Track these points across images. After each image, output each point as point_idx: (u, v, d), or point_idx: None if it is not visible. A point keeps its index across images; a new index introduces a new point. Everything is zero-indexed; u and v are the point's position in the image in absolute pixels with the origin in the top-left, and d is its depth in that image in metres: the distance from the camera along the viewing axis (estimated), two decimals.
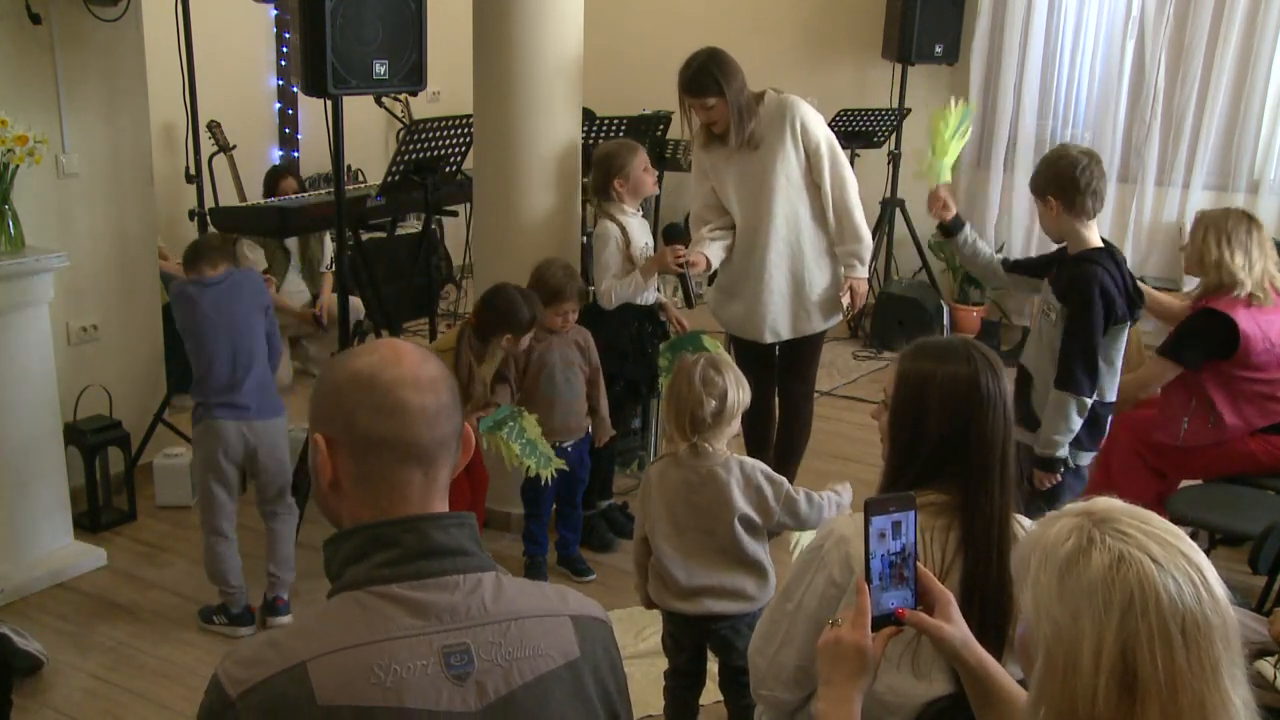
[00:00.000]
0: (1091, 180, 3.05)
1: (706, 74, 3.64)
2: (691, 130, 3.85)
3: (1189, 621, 1.15)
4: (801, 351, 4.03)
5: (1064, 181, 3.06)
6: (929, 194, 3.44)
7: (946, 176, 3.48)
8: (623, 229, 3.86)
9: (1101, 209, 3.14)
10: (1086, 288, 3.02)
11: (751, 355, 3.94)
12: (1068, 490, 3.17)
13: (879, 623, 1.52)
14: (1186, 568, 1.18)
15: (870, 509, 1.52)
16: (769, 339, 3.92)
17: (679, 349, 3.95)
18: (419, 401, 1.33)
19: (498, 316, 3.51)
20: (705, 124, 3.76)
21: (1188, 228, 5.96)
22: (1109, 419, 3.21)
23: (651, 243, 4.01)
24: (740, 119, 3.68)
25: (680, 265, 3.74)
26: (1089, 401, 3.06)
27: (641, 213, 4.01)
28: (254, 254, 5.24)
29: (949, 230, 3.44)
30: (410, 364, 1.35)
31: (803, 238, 3.82)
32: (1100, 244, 3.14)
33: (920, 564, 1.57)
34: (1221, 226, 3.52)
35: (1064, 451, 3.10)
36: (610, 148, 3.94)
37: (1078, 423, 3.07)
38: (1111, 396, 3.17)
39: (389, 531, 1.31)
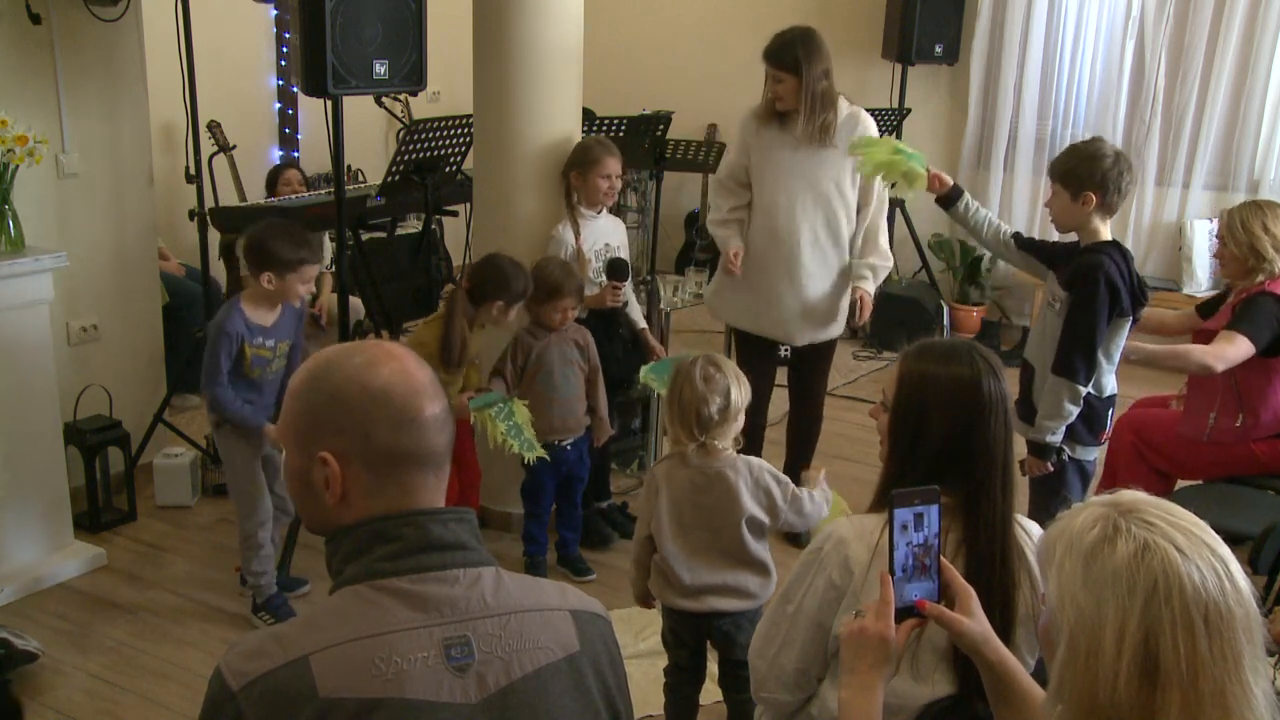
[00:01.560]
0: (1130, 181, 3.09)
1: (790, 49, 3.60)
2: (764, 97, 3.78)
3: (1212, 611, 1.16)
4: (821, 355, 4.05)
5: (1108, 180, 3.05)
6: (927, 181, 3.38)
7: (921, 171, 3.37)
8: (577, 233, 3.84)
9: None
10: (1093, 275, 3.01)
11: (757, 354, 3.94)
12: (1070, 487, 3.17)
13: (901, 614, 1.54)
14: (1210, 558, 1.19)
15: (895, 501, 1.54)
16: (783, 338, 3.92)
17: (661, 372, 3.88)
18: (430, 410, 1.35)
19: (493, 283, 3.51)
20: (772, 99, 3.71)
21: (1188, 228, 6.01)
22: (1109, 414, 3.20)
23: (614, 245, 3.96)
24: (811, 107, 3.62)
25: (615, 302, 3.83)
26: (1083, 390, 3.06)
27: (602, 211, 3.93)
28: None
29: (948, 200, 3.39)
30: (411, 369, 1.36)
31: (831, 244, 3.81)
32: (1110, 238, 3.14)
33: (943, 558, 1.58)
34: (1262, 212, 3.50)
35: (1056, 439, 3.10)
36: (588, 141, 3.91)
37: (1072, 411, 3.06)
38: (1110, 391, 3.16)
39: (389, 526, 1.32)
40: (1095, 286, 3.00)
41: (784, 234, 3.77)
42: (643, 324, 4.12)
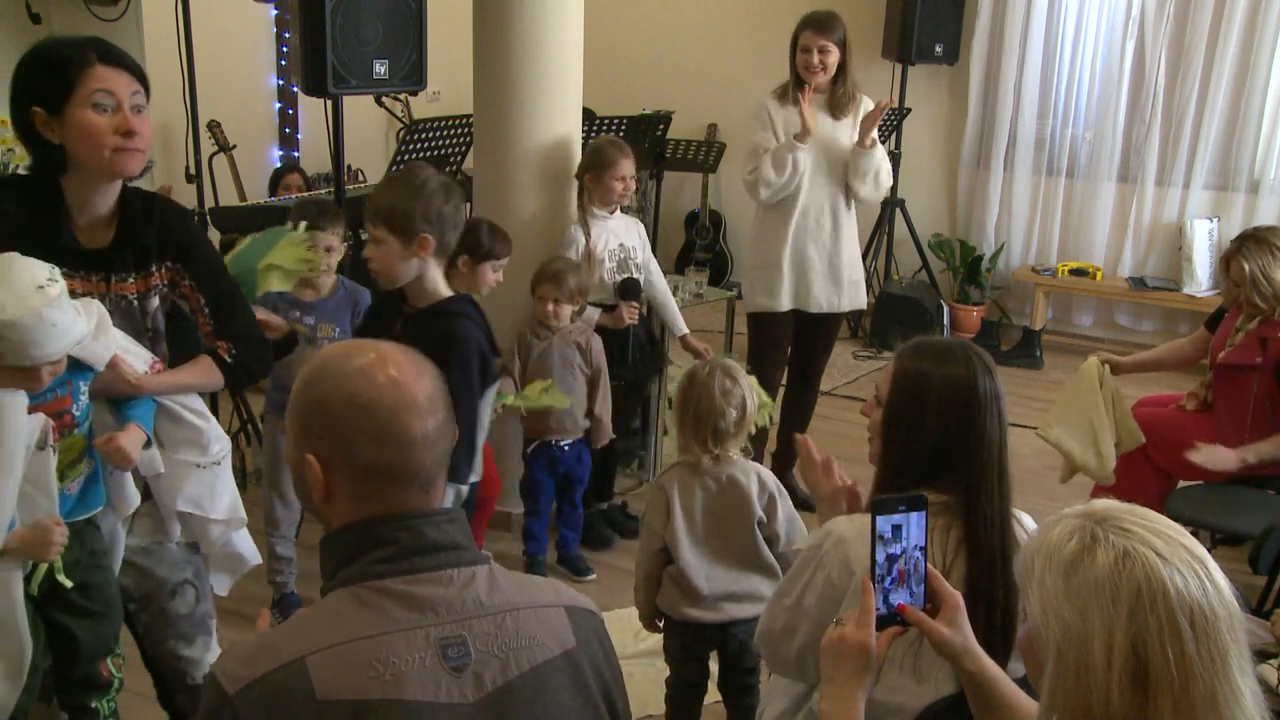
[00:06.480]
0: (464, 213, 2.55)
1: (838, 22, 3.93)
2: (804, 72, 3.95)
3: (1197, 613, 1.16)
4: (830, 327, 4.23)
5: (444, 217, 2.45)
6: None
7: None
8: (587, 233, 3.82)
9: None
10: (459, 350, 2.41)
11: (771, 343, 4.02)
12: None
13: (883, 622, 1.52)
14: (1190, 560, 1.19)
15: (877, 509, 1.52)
16: (822, 305, 4.09)
17: None
18: (421, 428, 1.32)
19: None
20: (808, 71, 3.91)
21: (1189, 227, 6.00)
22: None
23: (629, 244, 3.93)
24: (845, 81, 4.00)
25: (633, 320, 3.88)
26: (467, 487, 2.56)
27: (615, 211, 3.91)
28: None
29: None
30: (408, 381, 1.33)
31: (846, 209, 4.08)
32: (450, 293, 2.54)
33: (931, 566, 1.57)
34: (1271, 252, 3.34)
35: None
36: (601, 143, 3.91)
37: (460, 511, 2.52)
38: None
39: (383, 530, 1.32)
40: (467, 364, 2.37)
41: (811, 202, 3.99)
42: (684, 329, 4.09)
